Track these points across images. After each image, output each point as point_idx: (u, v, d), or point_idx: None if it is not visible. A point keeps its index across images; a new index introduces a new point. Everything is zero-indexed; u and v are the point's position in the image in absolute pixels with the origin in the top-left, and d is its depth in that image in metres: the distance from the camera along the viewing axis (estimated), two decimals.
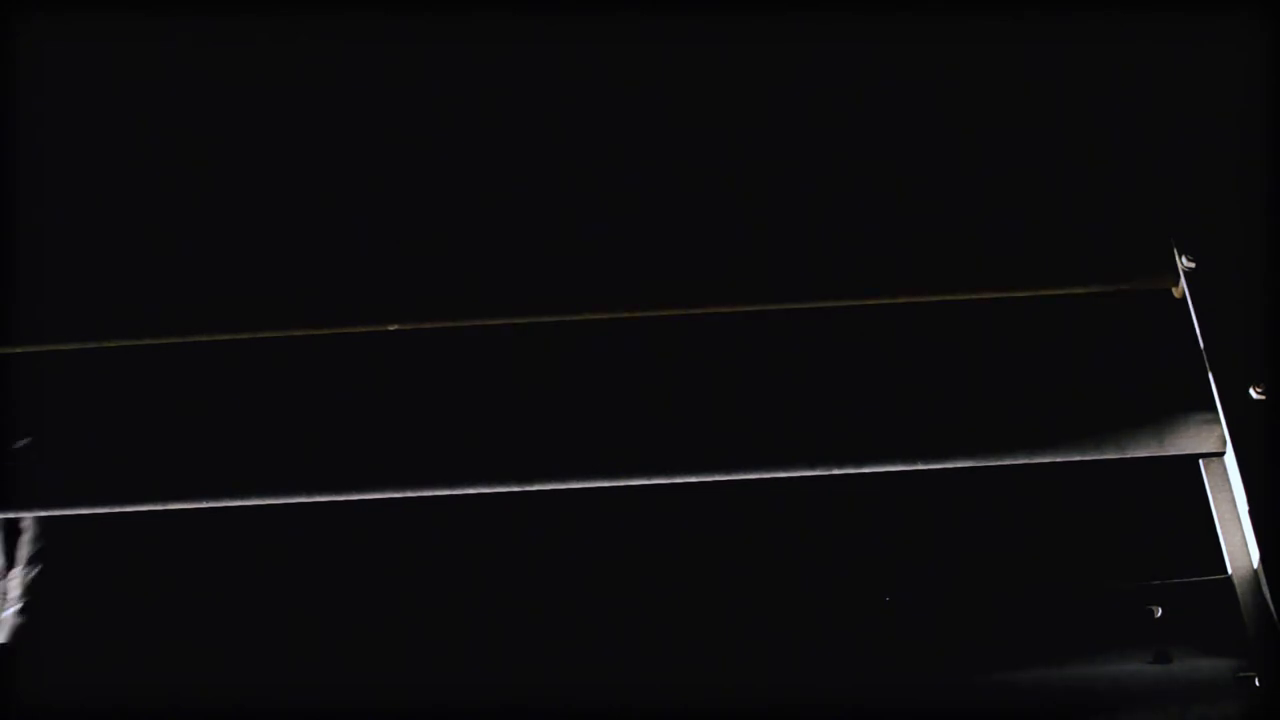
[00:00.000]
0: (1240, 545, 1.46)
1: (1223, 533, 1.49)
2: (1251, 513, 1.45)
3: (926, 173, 3.27)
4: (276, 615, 3.39)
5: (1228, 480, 1.50)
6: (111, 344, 1.76)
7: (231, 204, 3.41)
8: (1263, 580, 1.43)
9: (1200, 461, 1.53)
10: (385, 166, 3.45)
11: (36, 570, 2.75)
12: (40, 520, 1.64)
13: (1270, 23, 2.69)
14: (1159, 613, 1.43)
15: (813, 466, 1.56)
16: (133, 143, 3.36)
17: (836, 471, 1.56)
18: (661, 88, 3.36)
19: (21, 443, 3.11)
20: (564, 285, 1.72)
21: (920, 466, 1.54)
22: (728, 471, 1.60)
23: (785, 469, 1.58)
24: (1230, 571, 1.46)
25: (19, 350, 1.79)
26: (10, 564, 2.80)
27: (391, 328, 1.71)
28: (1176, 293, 1.63)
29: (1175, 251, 1.63)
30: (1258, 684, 1.40)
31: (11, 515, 1.61)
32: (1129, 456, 1.54)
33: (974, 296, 1.71)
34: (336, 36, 3.24)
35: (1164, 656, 1.41)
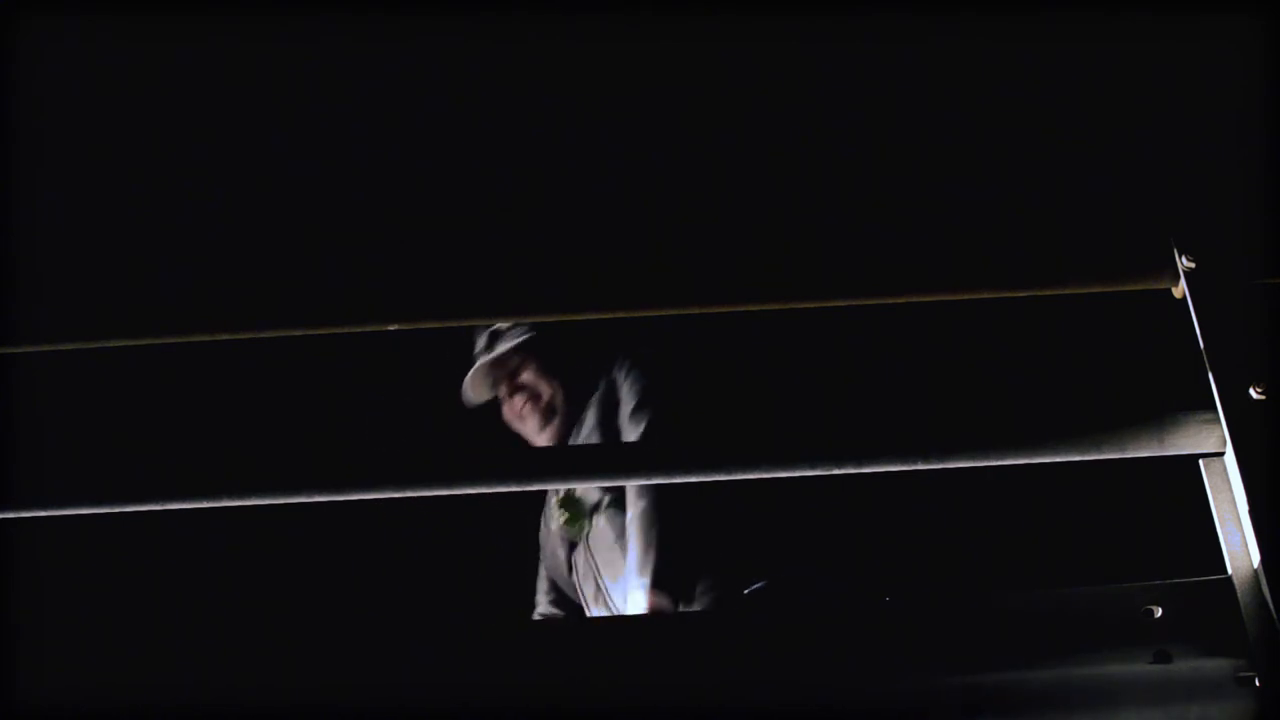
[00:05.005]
0: (1240, 545, 1.46)
1: (1223, 533, 1.48)
2: (1251, 513, 1.45)
3: (926, 173, 3.27)
4: (277, 614, 3.39)
5: (1228, 480, 1.50)
6: (111, 344, 1.75)
7: (231, 203, 3.41)
8: (1263, 580, 1.42)
9: (1200, 461, 1.53)
10: (386, 166, 3.45)
11: None
12: (40, 520, 1.64)
13: (1270, 23, 2.69)
14: (1159, 613, 1.42)
15: (813, 466, 1.55)
16: (133, 143, 3.36)
17: (836, 471, 1.55)
18: (661, 88, 3.35)
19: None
20: (564, 285, 1.72)
21: (920, 466, 1.54)
22: (727, 471, 1.60)
23: (785, 469, 1.58)
24: (1230, 571, 1.46)
25: (19, 350, 1.79)
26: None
27: (391, 328, 1.71)
28: (1177, 293, 1.63)
29: (1175, 251, 1.63)
30: (1258, 684, 1.39)
31: (11, 515, 1.61)
32: (1129, 456, 1.54)
33: (974, 296, 1.71)
34: (336, 36, 3.24)
35: (1164, 656, 1.41)
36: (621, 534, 2.69)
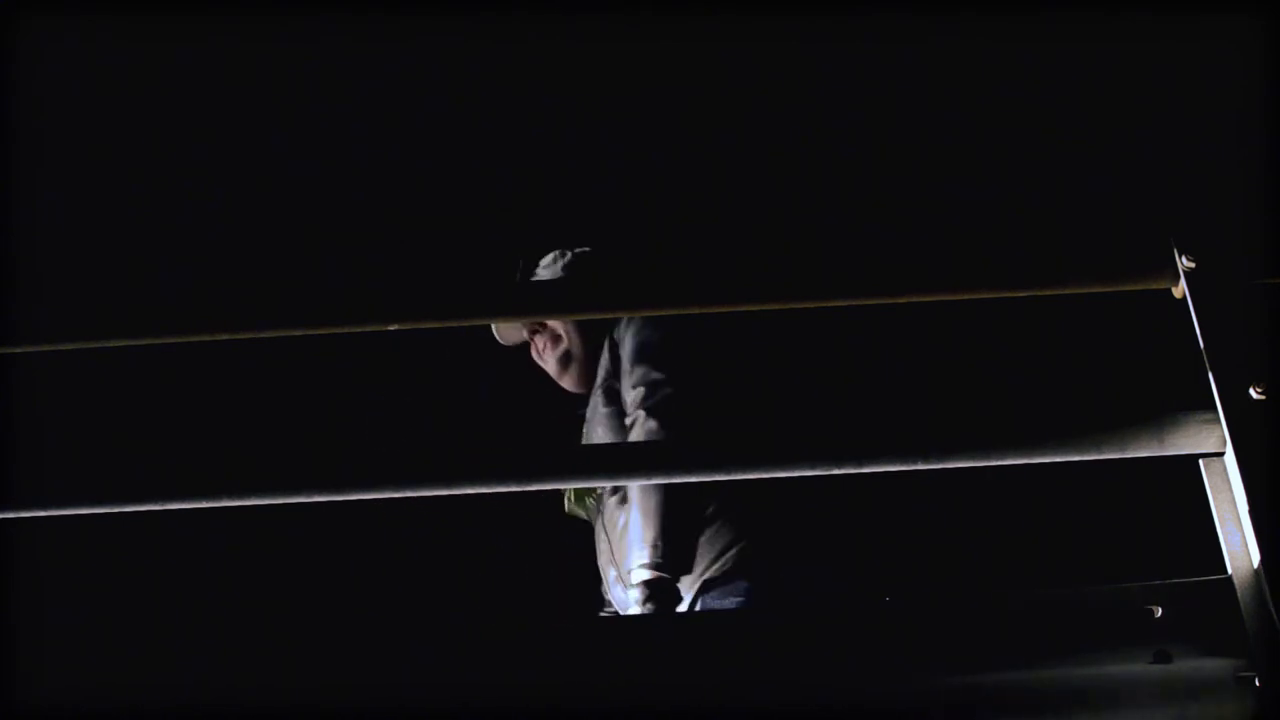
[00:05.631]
0: (1240, 545, 1.46)
1: (1223, 533, 1.48)
2: (1251, 513, 1.45)
3: (927, 173, 3.27)
4: (277, 614, 3.39)
5: (1228, 480, 1.49)
6: (111, 344, 1.75)
7: (231, 203, 3.41)
8: (1263, 580, 1.42)
9: (1200, 461, 1.53)
10: (386, 166, 3.45)
11: None
12: (40, 520, 1.64)
13: (1270, 22, 2.69)
14: (1159, 613, 1.42)
15: (813, 466, 1.55)
16: (133, 143, 3.36)
17: (836, 471, 1.55)
18: (661, 88, 3.36)
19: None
20: (564, 284, 1.72)
21: (920, 466, 1.54)
22: (727, 471, 1.60)
23: (785, 469, 1.58)
24: (1230, 571, 1.46)
25: (19, 350, 1.79)
26: None
27: (391, 328, 1.71)
28: (1176, 293, 1.62)
29: (1175, 251, 1.63)
30: (1258, 684, 1.39)
31: (11, 515, 1.61)
32: (1129, 456, 1.54)
33: (974, 296, 1.71)
34: (336, 36, 3.24)
35: (1164, 656, 1.40)
36: (626, 507, 2.70)
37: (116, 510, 1.60)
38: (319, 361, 3.35)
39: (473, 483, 1.61)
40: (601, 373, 2.93)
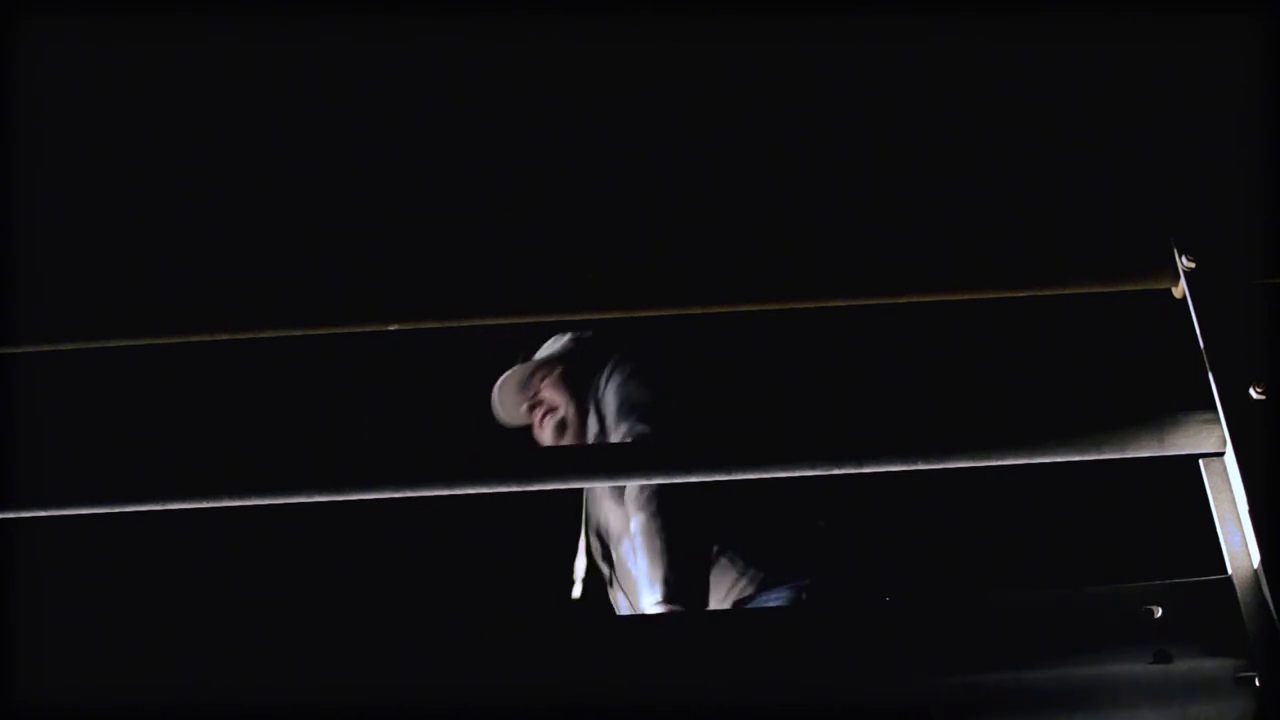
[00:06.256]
0: (1240, 545, 1.46)
1: (1223, 533, 1.48)
2: (1251, 513, 1.45)
3: (926, 173, 3.27)
4: (277, 614, 3.39)
5: (1228, 480, 1.50)
6: (111, 344, 1.75)
7: (231, 203, 3.41)
8: (1263, 580, 1.42)
9: (1200, 461, 1.53)
10: (386, 166, 3.45)
11: None
12: (40, 520, 1.64)
13: (1270, 22, 2.69)
14: (1159, 613, 1.42)
15: (813, 466, 1.55)
16: (133, 143, 3.36)
17: (836, 471, 1.55)
18: (661, 88, 3.36)
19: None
20: (564, 285, 1.72)
21: (920, 466, 1.54)
22: (727, 471, 1.60)
23: (785, 469, 1.58)
24: (1230, 571, 1.46)
25: (19, 350, 1.79)
26: None
27: (391, 328, 1.71)
28: (1177, 293, 1.62)
29: (1175, 251, 1.63)
30: (1258, 684, 1.39)
31: (11, 515, 1.61)
32: (1129, 456, 1.54)
33: (974, 296, 1.71)
34: (336, 36, 3.24)
35: (1164, 656, 1.40)
36: (633, 554, 2.67)
37: (116, 510, 1.60)
38: (319, 361, 3.35)
39: (473, 483, 1.61)
40: (591, 434, 2.88)
